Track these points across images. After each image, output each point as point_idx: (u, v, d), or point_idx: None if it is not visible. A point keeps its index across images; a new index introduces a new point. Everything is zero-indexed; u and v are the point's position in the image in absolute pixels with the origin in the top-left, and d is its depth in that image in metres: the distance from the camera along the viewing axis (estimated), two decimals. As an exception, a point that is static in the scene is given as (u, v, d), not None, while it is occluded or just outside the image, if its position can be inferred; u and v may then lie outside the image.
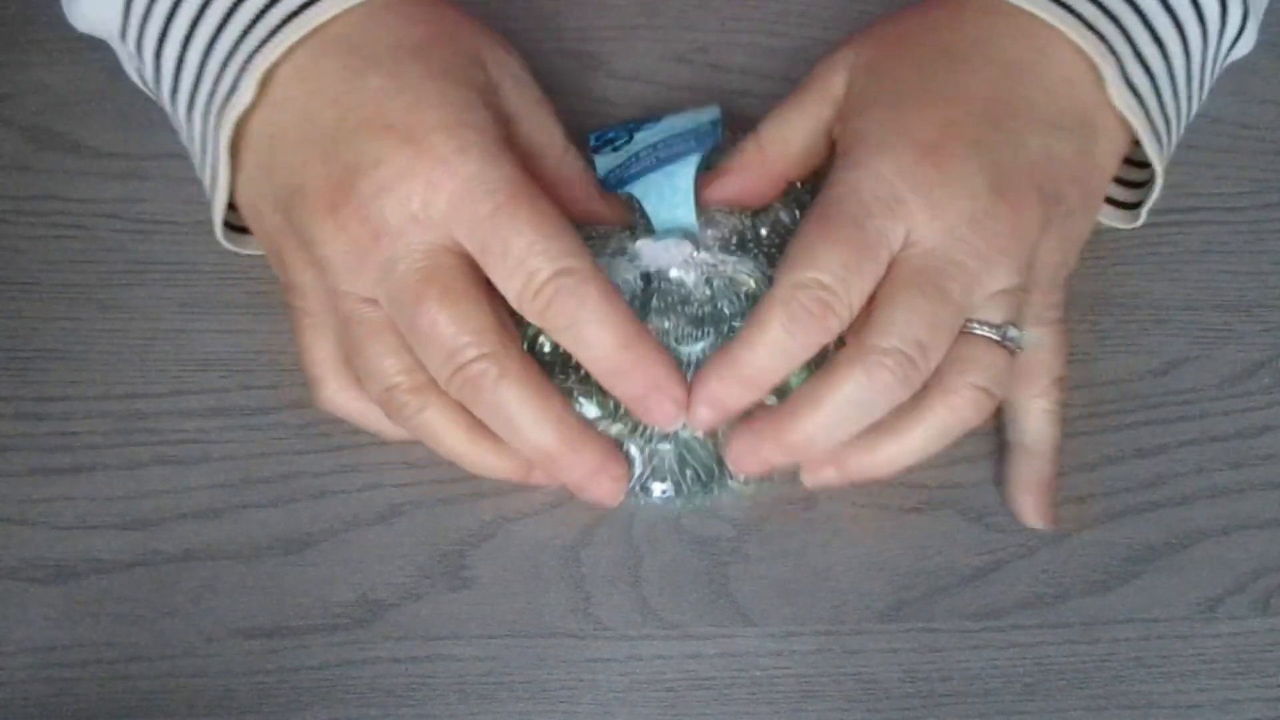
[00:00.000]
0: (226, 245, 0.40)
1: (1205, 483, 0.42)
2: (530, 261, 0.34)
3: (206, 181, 0.38)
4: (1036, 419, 0.40)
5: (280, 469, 0.42)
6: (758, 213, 0.40)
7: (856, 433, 0.36)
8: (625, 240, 0.39)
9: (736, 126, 0.42)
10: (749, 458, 0.37)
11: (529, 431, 0.35)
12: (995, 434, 0.42)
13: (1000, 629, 0.41)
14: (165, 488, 0.41)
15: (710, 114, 0.42)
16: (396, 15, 0.36)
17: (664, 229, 0.39)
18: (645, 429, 0.38)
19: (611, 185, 0.41)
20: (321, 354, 0.38)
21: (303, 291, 0.37)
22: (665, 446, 0.39)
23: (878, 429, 0.36)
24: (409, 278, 0.34)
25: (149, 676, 0.40)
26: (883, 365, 0.34)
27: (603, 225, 0.40)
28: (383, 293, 0.35)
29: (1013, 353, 0.36)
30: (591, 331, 0.34)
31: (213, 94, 0.36)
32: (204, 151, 0.38)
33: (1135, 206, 0.41)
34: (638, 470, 0.38)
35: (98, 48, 0.46)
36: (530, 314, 0.34)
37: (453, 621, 0.41)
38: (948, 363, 0.36)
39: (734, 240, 0.39)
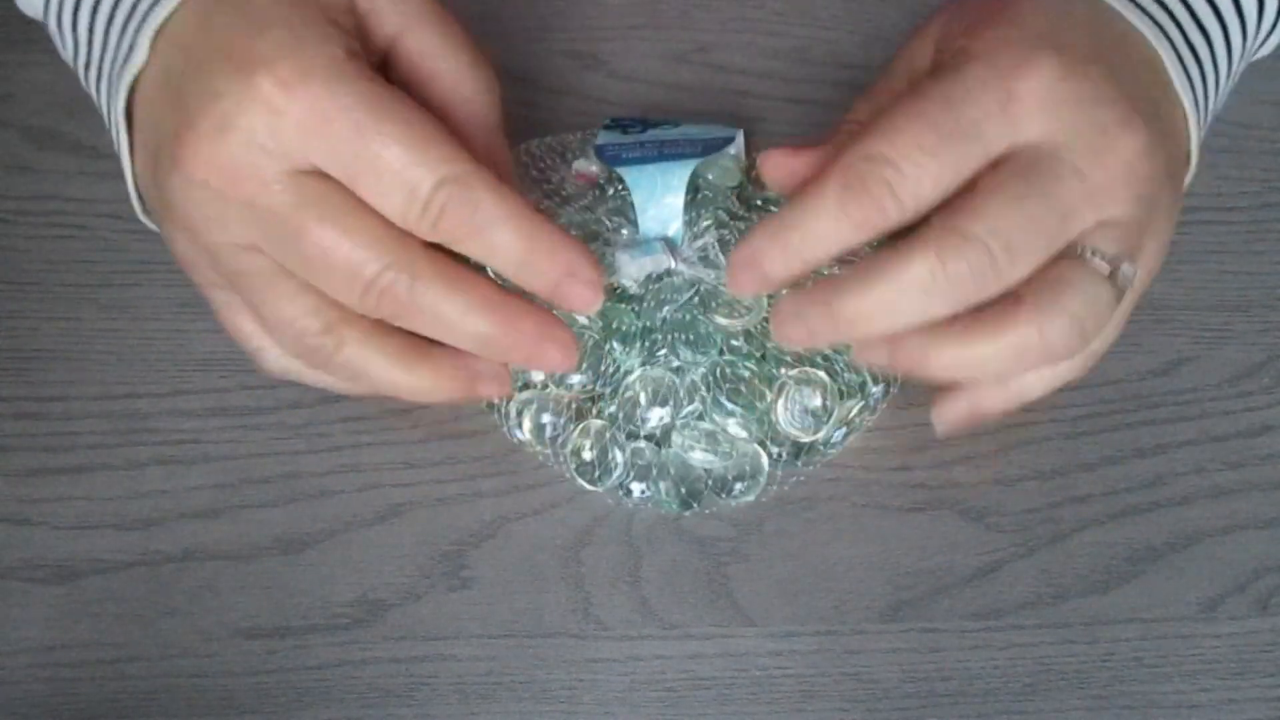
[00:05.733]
0: (149, 224, 0.38)
1: (1205, 483, 0.42)
2: (407, 175, 0.31)
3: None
4: (1033, 373, 0.36)
5: (280, 469, 0.42)
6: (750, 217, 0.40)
7: (914, 325, 0.32)
8: (603, 246, 0.39)
9: (747, 132, 0.42)
10: (794, 324, 0.33)
11: (462, 324, 0.33)
12: (996, 434, 0.42)
13: (1000, 629, 0.41)
14: (165, 488, 0.41)
15: (728, 132, 0.41)
16: None
17: (646, 230, 0.39)
18: (623, 426, 0.38)
19: (606, 158, 0.40)
20: (245, 322, 0.36)
21: (193, 264, 0.35)
22: (643, 446, 0.39)
23: (948, 324, 0.32)
24: (279, 211, 0.31)
25: (149, 676, 0.40)
26: (960, 252, 0.30)
27: (499, 167, 0.36)
28: (257, 235, 0.32)
29: (1121, 292, 0.33)
30: (495, 235, 0.31)
31: (114, 59, 0.35)
32: (111, 125, 0.35)
33: None
34: (618, 471, 0.39)
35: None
36: (420, 230, 0.32)
37: (453, 621, 0.41)
38: (1048, 282, 0.32)
39: (716, 253, 0.38)
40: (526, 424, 0.39)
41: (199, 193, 0.32)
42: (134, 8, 0.34)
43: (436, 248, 0.33)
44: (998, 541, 0.42)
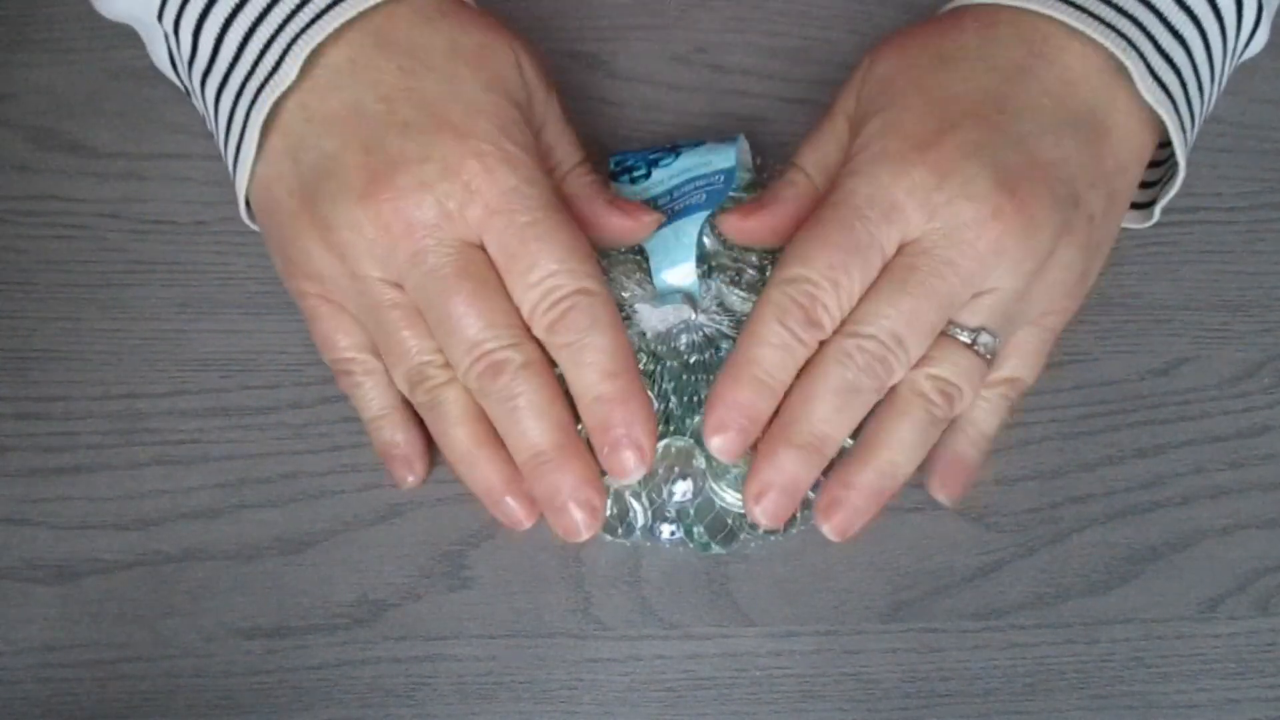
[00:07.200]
0: (249, 224, 0.40)
1: (1205, 483, 0.42)
2: (556, 278, 0.35)
3: (229, 162, 0.38)
4: (975, 406, 0.40)
5: (280, 469, 0.42)
6: (764, 263, 0.41)
7: (854, 422, 0.36)
8: (624, 299, 0.40)
9: (747, 133, 0.42)
10: (769, 491, 0.36)
11: (531, 425, 0.36)
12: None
13: (1000, 629, 0.41)
14: (165, 488, 0.41)
15: (726, 159, 0.41)
16: (450, 21, 0.37)
17: (663, 286, 0.40)
18: (648, 503, 0.39)
19: None
20: (345, 340, 0.39)
21: (319, 278, 0.37)
22: (680, 489, 0.39)
23: (869, 444, 0.37)
24: (441, 270, 0.35)
25: (149, 676, 0.40)
26: (859, 348, 0.35)
27: (606, 244, 0.40)
28: (411, 280, 0.36)
29: (983, 356, 0.37)
30: (593, 350, 0.35)
31: (250, 74, 0.37)
32: (228, 132, 0.38)
33: (1147, 205, 0.41)
34: (641, 520, 0.39)
35: (97, 48, 0.46)
36: (540, 324, 0.35)
37: (453, 621, 0.41)
38: (919, 360, 0.36)
39: (730, 296, 0.40)
40: None
41: (372, 230, 0.35)
42: (279, 29, 0.36)
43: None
44: (998, 541, 0.42)
